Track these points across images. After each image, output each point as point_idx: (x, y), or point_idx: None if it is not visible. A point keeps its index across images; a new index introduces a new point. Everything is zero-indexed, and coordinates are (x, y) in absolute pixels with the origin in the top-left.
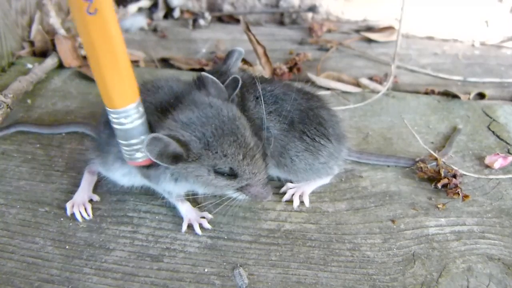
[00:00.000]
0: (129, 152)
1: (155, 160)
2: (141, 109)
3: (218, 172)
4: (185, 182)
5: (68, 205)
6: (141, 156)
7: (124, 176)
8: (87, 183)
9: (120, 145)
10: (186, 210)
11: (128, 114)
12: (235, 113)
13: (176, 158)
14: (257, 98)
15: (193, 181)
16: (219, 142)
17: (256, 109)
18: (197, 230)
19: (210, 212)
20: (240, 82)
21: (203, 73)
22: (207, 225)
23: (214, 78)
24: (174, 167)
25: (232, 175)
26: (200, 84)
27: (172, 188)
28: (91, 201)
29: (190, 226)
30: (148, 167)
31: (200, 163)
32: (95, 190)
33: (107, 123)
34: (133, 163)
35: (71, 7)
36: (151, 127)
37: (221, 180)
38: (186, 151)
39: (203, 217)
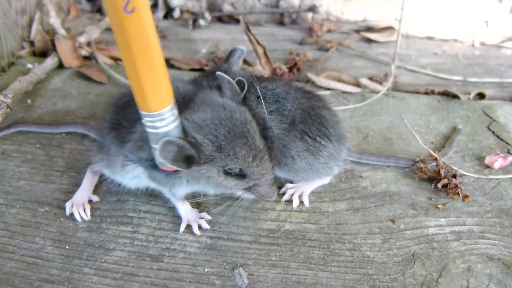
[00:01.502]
0: None
1: (171, 165)
2: (175, 111)
3: (228, 173)
4: (197, 185)
5: (68, 204)
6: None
7: (133, 180)
8: (88, 183)
9: (153, 149)
10: (185, 210)
11: (163, 118)
12: (247, 117)
13: (189, 161)
14: (258, 97)
15: (204, 183)
16: (231, 145)
17: (257, 109)
18: (196, 230)
19: (209, 213)
20: (246, 85)
21: (219, 73)
22: (205, 226)
23: (231, 79)
24: (188, 171)
25: (241, 175)
26: (209, 83)
27: (185, 191)
28: (90, 201)
29: (189, 227)
30: (160, 172)
31: (212, 164)
32: (95, 190)
33: (112, 127)
34: (165, 167)
35: (107, 6)
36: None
37: (230, 181)
38: (198, 153)
39: (202, 218)
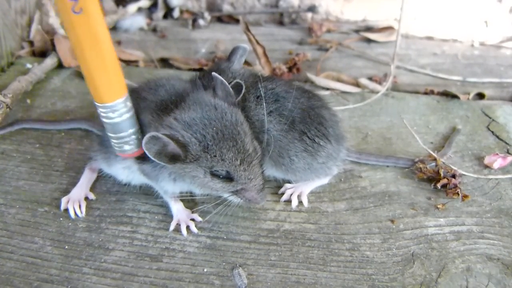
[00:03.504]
0: (118, 145)
1: (153, 159)
2: (129, 103)
3: (215, 175)
4: (182, 182)
5: (64, 200)
6: (129, 149)
7: (124, 170)
8: (86, 180)
9: (110, 138)
10: (177, 209)
11: (116, 109)
12: (238, 118)
13: (174, 158)
14: (258, 97)
15: (189, 181)
16: (218, 146)
17: (256, 110)
18: (184, 231)
19: (209, 212)
20: (244, 87)
21: (213, 73)
22: (194, 229)
23: (224, 80)
24: (172, 167)
25: (228, 178)
26: (204, 83)
27: (170, 187)
28: (86, 199)
29: (179, 226)
30: (146, 164)
31: (197, 164)
32: (95, 190)
33: None
34: (123, 155)
35: (58, 6)
36: (147, 124)
37: (216, 183)
38: (184, 152)
39: (193, 220)
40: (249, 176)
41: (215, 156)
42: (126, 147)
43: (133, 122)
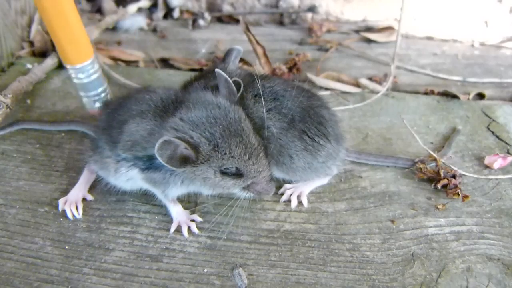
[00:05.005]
0: (89, 103)
1: (165, 164)
2: (96, 65)
3: (225, 173)
4: (192, 185)
5: (61, 201)
6: (100, 106)
7: (127, 181)
8: (84, 181)
9: (81, 97)
10: (177, 212)
11: (84, 70)
12: (241, 115)
13: (184, 161)
14: (256, 96)
15: (200, 184)
16: (227, 144)
17: (255, 108)
18: (185, 233)
19: (208, 212)
20: (242, 85)
21: (217, 70)
22: (195, 229)
23: (228, 78)
24: (183, 170)
25: (238, 174)
26: (207, 83)
27: (178, 192)
28: (84, 199)
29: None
30: (156, 173)
31: (208, 164)
32: (95, 190)
33: (104, 129)
34: (94, 111)
35: None
36: (150, 131)
37: (227, 180)
38: (195, 153)
39: (193, 220)
40: (258, 169)
41: (225, 153)
42: (97, 105)
43: (101, 82)
